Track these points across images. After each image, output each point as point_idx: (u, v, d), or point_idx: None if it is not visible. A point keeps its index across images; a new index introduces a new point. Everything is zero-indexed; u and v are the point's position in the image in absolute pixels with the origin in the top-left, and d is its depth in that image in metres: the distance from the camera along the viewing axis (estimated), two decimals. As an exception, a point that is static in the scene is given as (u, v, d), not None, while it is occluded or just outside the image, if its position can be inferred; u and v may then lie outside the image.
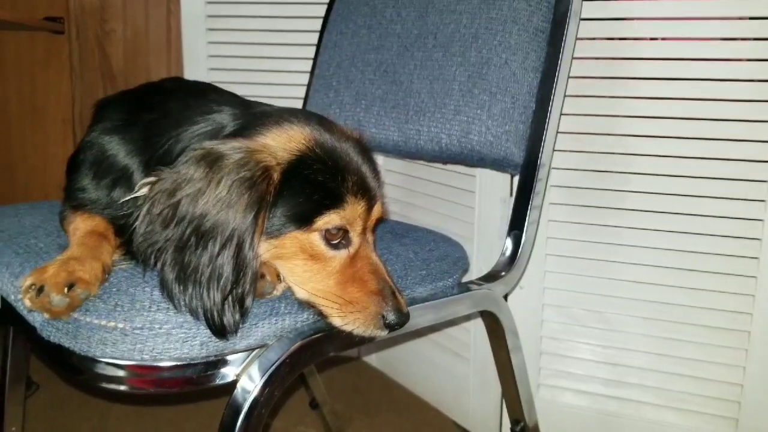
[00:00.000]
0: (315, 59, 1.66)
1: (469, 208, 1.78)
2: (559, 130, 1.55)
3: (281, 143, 0.88)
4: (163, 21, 2.24)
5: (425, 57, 1.43)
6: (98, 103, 1.10)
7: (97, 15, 2.27)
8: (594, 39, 1.57)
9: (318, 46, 1.67)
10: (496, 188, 1.70)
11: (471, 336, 1.85)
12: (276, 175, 0.85)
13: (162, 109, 1.00)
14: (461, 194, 1.81)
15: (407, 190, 2.01)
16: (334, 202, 0.89)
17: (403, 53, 1.47)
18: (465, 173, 1.77)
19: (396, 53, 1.48)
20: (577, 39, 1.46)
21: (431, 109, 1.39)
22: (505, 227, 1.33)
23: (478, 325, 1.81)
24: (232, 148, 0.85)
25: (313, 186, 0.88)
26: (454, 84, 1.37)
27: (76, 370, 0.89)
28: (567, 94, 1.52)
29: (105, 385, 0.88)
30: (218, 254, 0.82)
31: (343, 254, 0.92)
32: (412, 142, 1.42)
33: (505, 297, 1.32)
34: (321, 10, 1.71)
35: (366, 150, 0.98)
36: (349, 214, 0.90)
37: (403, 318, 0.92)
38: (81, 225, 0.98)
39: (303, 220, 0.88)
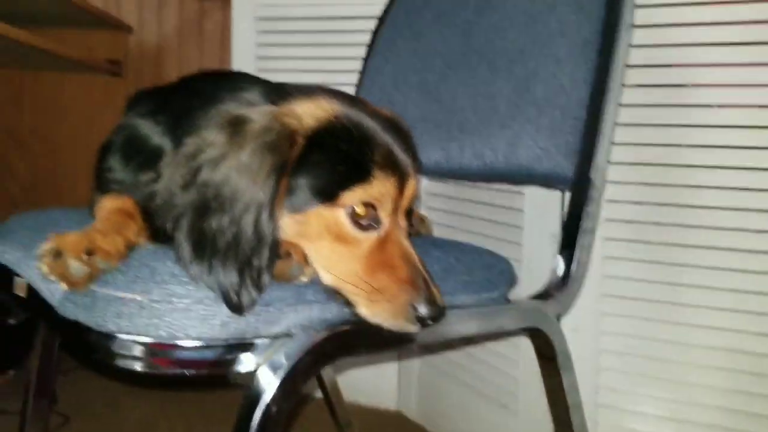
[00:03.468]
0: (358, 85, 1.67)
1: (516, 228, 1.70)
2: (616, 161, 1.50)
3: (308, 110, 0.85)
4: (215, 66, 2.32)
5: (469, 74, 1.41)
6: (133, 94, 1.10)
7: (154, 60, 2.36)
8: (652, 66, 1.52)
9: (362, 73, 1.67)
10: (547, 206, 1.62)
11: (519, 386, 1.73)
12: (300, 140, 0.82)
13: (193, 91, 0.99)
14: (509, 213, 1.75)
15: (452, 213, 1.96)
16: (361, 175, 0.84)
17: (446, 72, 1.45)
18: (513, 191, 1.71)
19: (439, 73, 1.47)
20: (631, 66, 1.43)
21: (475, 125, 1.36)
22: (556, 248, 1.26)
23: (525, 374, 1.70)
24: (258, 113, 0.83)
25: (340, 157, 0.84)
26: (499, 99, 1.33)
27: (92, 348, 0.84)
28: (623, 122, 1.48)
29: (121, 363, 0.83)
30: (237, 221, 0.79)
31: (372, 236, 0.86)
32: (455, 161, 1.38)
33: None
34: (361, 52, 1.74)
35: (400, 128, 0.94)
36: (376, 190, 0.85)
37: (438, 311, 0.84)
38: (108, 204, 0.97)
39: (328, 194, 0.84)
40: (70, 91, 2.47)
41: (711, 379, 1.51)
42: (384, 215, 0.87)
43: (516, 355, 1.73)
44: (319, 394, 1.94)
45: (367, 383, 2.20)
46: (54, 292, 0.87)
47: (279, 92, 0.91)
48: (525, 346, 1.68)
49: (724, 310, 1.48)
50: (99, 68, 2.38)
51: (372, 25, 1.73)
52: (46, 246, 0.81)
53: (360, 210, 0.85)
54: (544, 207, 1.63)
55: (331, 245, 0.85)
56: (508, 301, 1.16)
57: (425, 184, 1.97)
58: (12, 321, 2.02)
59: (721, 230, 1.47)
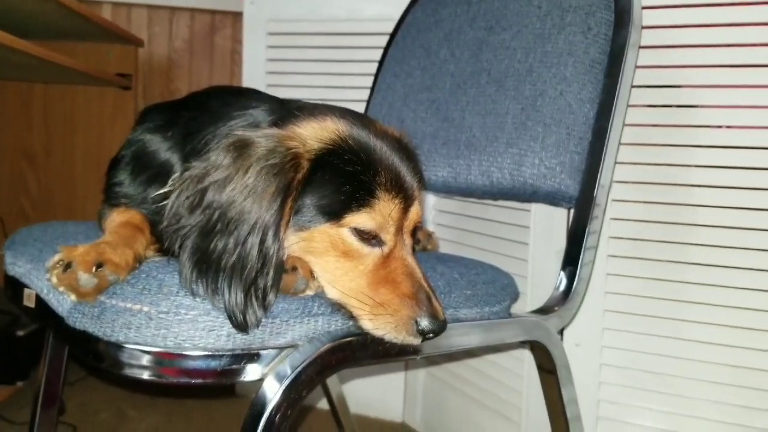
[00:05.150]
0: (368, 102, 1.68)
1: (523, 244, 1.71)
2: (621, 179, 1.50)
3: (313, 132, 0.86)
4: (226, 82, 2.33)
5: (478, 93, 1.42)
6: (143, 109, 1.11)
7: (164, 74, 2.37)
8: (658, 87, 1.53)
9: (372, 89, 1.69)
10: (552, 222, 1.63)
11: (523, 399, 1.73)
12: (305, 163, 0.83)
13: (202, 107, 1.00)
14: (515, 230, 1.75)
15: (459, 229, 1.96)
16: (365, 197, 0.85)
17: (455, 91, 1.46)
18: (519, 208, 1.72)
19: (449, 91, 1.48)
20: (637, 86, 1.43)
21: (483, 143, 1.37)
22: (560, 263, 1.26)
23: (529, 387, 1.70)
24: (262, 136, 0.84)
25: (345, 178, 0.85)
26: (506, 117, 1.34)
27: (100, 357, 0.85)
28: (626, 142, 1.49)
29: (128, 372, 0.84)
30: (243, 242, 0.80)
31: (376, 252, 0.88)
32: (462, 178, 1.39)
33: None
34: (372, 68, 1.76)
35: (406, 149, 0.95)
36: (381, 212, 0.86)
37: (439, 325, 0.85)
38: (117, 217, 0.98)
39: (333, 214, 0.85)
40: (80, 105, 2.49)
41: (711, 393, 1.50)
42: (388, 234, 0.88)
43: (520, 370, 1.74)
44: (325, 405, 1.95)
45: (373, 395, 2.20)
46: (63, 303, 0.89)
47: (286, 112, 0.93)
48: (529, 360, 1.68)
49: (724, 326, 1.48)
50: (109, 81, 2.40)
51: (383, 42, 1.74)
52: (56, 258, 0.83)
53: (364, 230, 0.86)
54: (550, 224, 1.64)
55: (336, 261, 0.87)
56: (509, 315, 1.17)
57: (433, 200, 1.98)
58: (20, 333, 2.03)
59: (722, 248, 1.47)
